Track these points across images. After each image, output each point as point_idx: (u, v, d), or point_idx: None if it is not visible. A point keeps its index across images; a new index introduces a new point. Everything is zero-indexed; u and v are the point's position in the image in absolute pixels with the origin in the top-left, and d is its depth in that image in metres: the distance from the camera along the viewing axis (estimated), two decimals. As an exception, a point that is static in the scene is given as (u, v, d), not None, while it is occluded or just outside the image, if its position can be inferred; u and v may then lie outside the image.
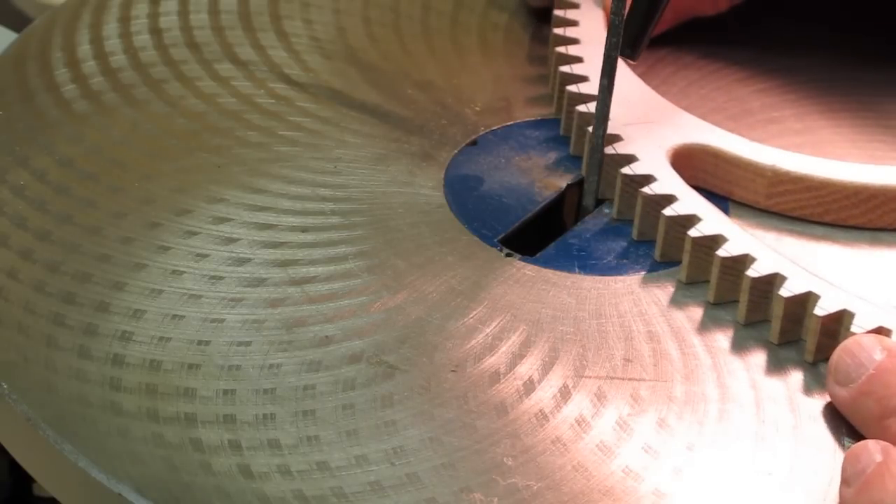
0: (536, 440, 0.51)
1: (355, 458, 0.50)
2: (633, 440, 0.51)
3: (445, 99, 0.67)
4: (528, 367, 0.54)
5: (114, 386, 0.52)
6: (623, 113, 0.62)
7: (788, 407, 0.53)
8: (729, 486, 0.50)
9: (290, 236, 0.59)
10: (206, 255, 0.58)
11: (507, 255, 0.59)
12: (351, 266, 0.58)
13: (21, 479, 0.74)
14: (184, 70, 0.67)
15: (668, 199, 0.59)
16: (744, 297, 0.56)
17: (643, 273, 0.59)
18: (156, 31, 0.70)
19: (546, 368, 0.54)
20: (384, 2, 0.73)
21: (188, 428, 0.51)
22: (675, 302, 0.57)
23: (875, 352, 0.52)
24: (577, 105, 0.64)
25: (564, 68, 0.66)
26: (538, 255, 0.59)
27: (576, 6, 0.69)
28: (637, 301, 0.57)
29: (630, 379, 0.54)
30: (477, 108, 0.67)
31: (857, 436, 0.52)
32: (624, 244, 0.60)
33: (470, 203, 0.62)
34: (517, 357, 0.54)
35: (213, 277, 0.57)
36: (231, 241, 0.59)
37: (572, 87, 0.65)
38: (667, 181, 0.59)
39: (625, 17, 0.59)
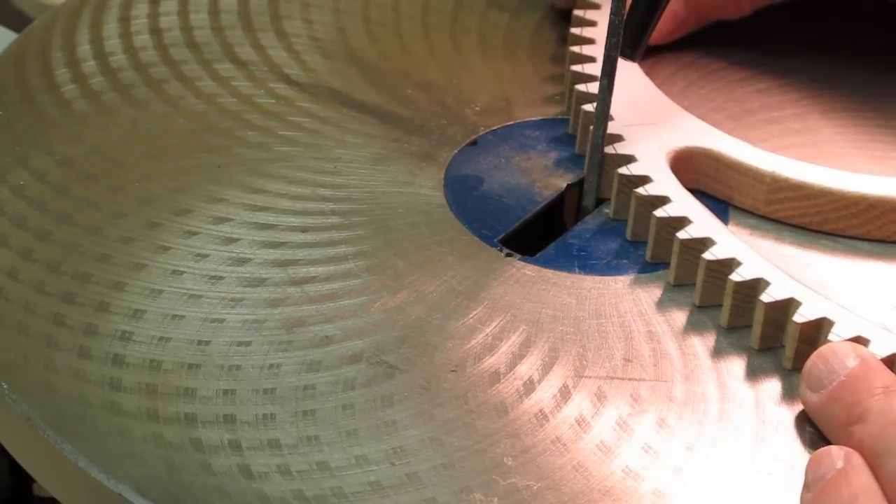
0: (536, 440, 0.51)
1: (355, 458, 0.50)
2: (633, 440, 0.51)
3: (445, 99, 0.67)
4: (528, 367, 0.54)
5: (114, 386, 0.52)
6: (627, 114, 0.62)
7: (788, 407, 0.53)
8: (729, 486, 0.50)
9: (290, 236, 0.59)
10: (206, 255, 0.58)
11: (507, 255, 0.59)
12: (351, 266, 0.58)
13: (21, 479, 0.74)
14: (184, 70, 0.67)
15: (662, 201, 0.59)
16: (727, 301, 0.56)
17: (643, 273, 0.59)
18: (156, 31, 0.70)
19: (546, 368, 0.54)
20: (384, 2, 0.73)
21: (188, 428, 0.51)
22: (676, 302, 0.57)
23: (848, 359, 0.52)
24: (583, 104, 0.64)
25: (576, 67, 0.66)
26: (538, 255, 0.59)
27: (596, 6, 0.69)
28: (637, 301, 0.57)
29: (630, 379, 0.54)
30: (477, 108, 0.67)
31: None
32: (624, 244, 0.60)
33: (470, 203, 0.62)
34: (517, 357, 0.54)
35: (213, 277, 0.57)
36: (231, 241, 0.59)
37: (581, 86, 0.65)
38: (662, 183, 0.59)
39: (625, 17, 0.59)
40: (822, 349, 0.52)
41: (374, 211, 0.61)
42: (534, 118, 0.67)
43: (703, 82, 0.70)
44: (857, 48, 0.73)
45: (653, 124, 0.62)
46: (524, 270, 0.58)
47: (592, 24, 0.68)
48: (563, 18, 0.72)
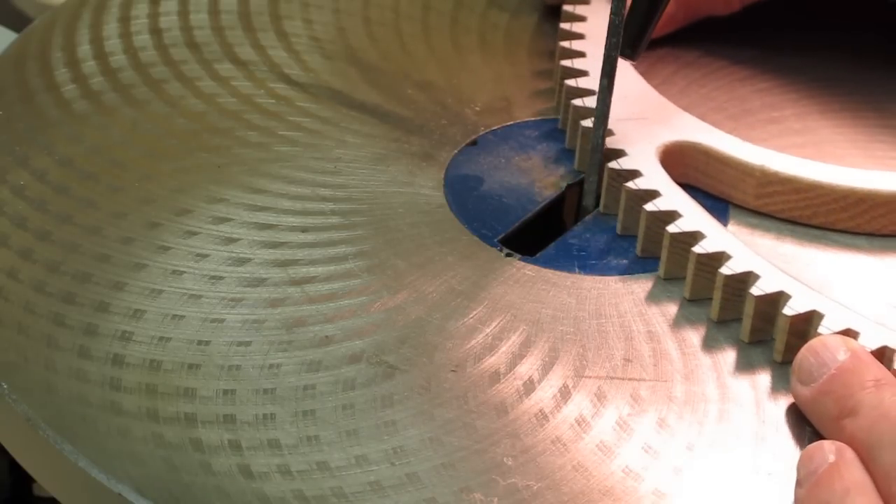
0: (536, 440, 0.51)
1: (355, 458, 0.50)
2: (633, 440, 0.51)
3: (445, 99, 0.67)
4: (528, 367, 0.54)
5: (114, 386, 0.52)
6: (619, 109, 0.62)
7: (788, 407, 0.53)
8: (729, 486, 0.50)
9: (290, 236, 0.59)
10: (206, 255, 0.58)
11: (507, 255, 0.59)
12: (351, 266, 0.58)
13: (21, 479, 0.74)
14: (184, 70, 0.67)
15: (651, 195, 0.59)
16: (717, 295, 0.56)
17: (644, 273, 0.59)
18: (156, 31, 0.70)
19: (546, 368, 0.54)
20: (384, 2, 0.73)
21: (188, 428, 0.51)
22: (675, 302, 0.57)
23: (839, 352, 0.52)
24: (573, 99, 0.64)
25: (566, 62, 0.66)
26: (538, 255, 0.59)
27: (586, 1, 0.69)
28: (637, 301, 0.57)
29: (630, 379, 0.54)
30: (477, 108, 0.67)
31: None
32: (624, 244, 0.60)
33: (470, 203, 0.62)
34: (517, 357, 0.54)
35: (213, 277, 0.57)
36: (231, 241, 0.59)
37: (571, 81, 0.65)
38: (652, 177, 0.60)
39: (625, 17, 0.59)
40: (813, 342, 0.52)
41: (374, 211, 0.61)
42: (534, 118, 0.67)
43: (703, 81, 0.70)
44: (857, 48, 0.73)
45: (643, 119, 0.62)
46: (524, 270, 0.58)
47: (582, 19, 0.68)
48: (553, 15, 0.72)
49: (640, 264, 0.59)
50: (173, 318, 0.55)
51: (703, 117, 0.64)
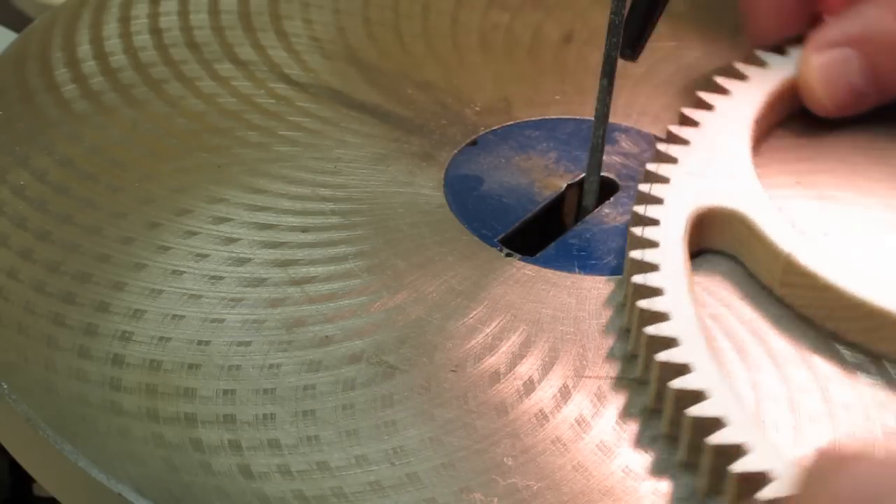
0: (536, 440, 0.51)
1: (355, 458, 0.50)
2: (633, 440, 0.51)
3: (445, 99, 0.67)
4: (528, 367, 0.54)
5: (114, 386, 0.52)
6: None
7: (788, 407, 0.53)
8: (729, 486, 0.50)
9: (290, 236, 0.59)
10: (206, 255, 0.58)
11: (507, 255, 0.59)
12: (351, 266, 0.58)
13: (21, 479, 0.74)
14: (184, 70, 0.67)
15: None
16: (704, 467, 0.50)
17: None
18: (156, 31, 0.70)
19: (546, 368, 0.54)
20: (384, 2, 0.73)
21: (188, 428, 0.51)
22: (676, 302, 0.57)
23: None
24: (670, 379, 0.52)
25: (651, 329, 0.53)
26: (538, 255, 0.59)
27: (665, 181, 0.59)
28: (637, 301, 0.57)
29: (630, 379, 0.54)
30: (477, 108, 0.67)
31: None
32: (624, 244, 0.60)
33: (470, 203, 0.62)
34: (517, 357, 0.54)
35: (213, 277, 0.57)
36: (231, 241, 0.59)
37: (661, 355, 0.52)
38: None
39: (625, 17, 0.59)
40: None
41: (374, 211, 0.61)
42: (534, 118, 0.67)
43: (703, 82, 0.70)
44: None
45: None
46: (524, 270, 0.58)
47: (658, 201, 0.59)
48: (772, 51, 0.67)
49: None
50: (173, 318, 0.55)
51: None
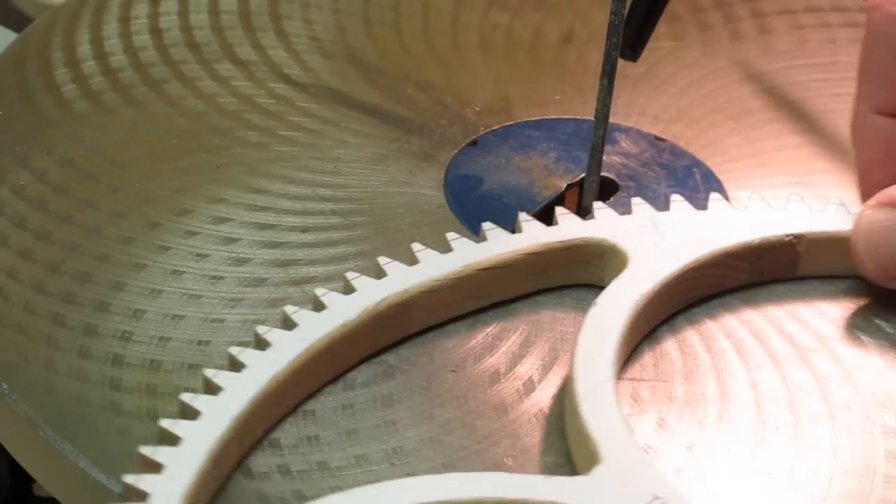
0: (537, 440, 0.51)
1: (355, 458, 0.50)
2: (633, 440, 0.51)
3: (445, 99, 0.67)
4: (528, 367, 0.54)
5: (114, 386, 0.52)
6: None
7: (788, 407, 0.53)
8: (729, 486, 0.50)
9: (290, 236, 0.59)
10: (206, 255, 0.58)
11: (507, 255, 0.59)
12: (351, 266, 0.58)
13: (21, 479, 0.74)
14: (184, 70, 0.67)
15: None
16: None
17: (643, 273, 0.59)
18: (156, 31, 0.70)
19: (546, 368, 0.54)
20: (384, 2, 0.73)
21: (188, 428, 0.51)
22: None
23: None
24: None
25: None
26: (538, 255, 0.59)
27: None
28: (637, 301, 0.57)
29: (630, 379, 0.54)
30: (477, 108, 0.67)
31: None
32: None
33: (470, 203, 0.62)
34: (517, 357, 0.54)
35: (213, 277, 0.57)
36: (231, 241, 0.59)
37: None
38: None
39: (625, 17, 0.59)
40: None
41: (374, 211, 0.61)
42: (534, 118, 0.67)
43: (703, 81, 0.70)
44: None
45: None
46: (524, 270, 0.58)
47: None
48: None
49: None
50: (173, 318, 0.55)
51: (702, 118, 0.64)
